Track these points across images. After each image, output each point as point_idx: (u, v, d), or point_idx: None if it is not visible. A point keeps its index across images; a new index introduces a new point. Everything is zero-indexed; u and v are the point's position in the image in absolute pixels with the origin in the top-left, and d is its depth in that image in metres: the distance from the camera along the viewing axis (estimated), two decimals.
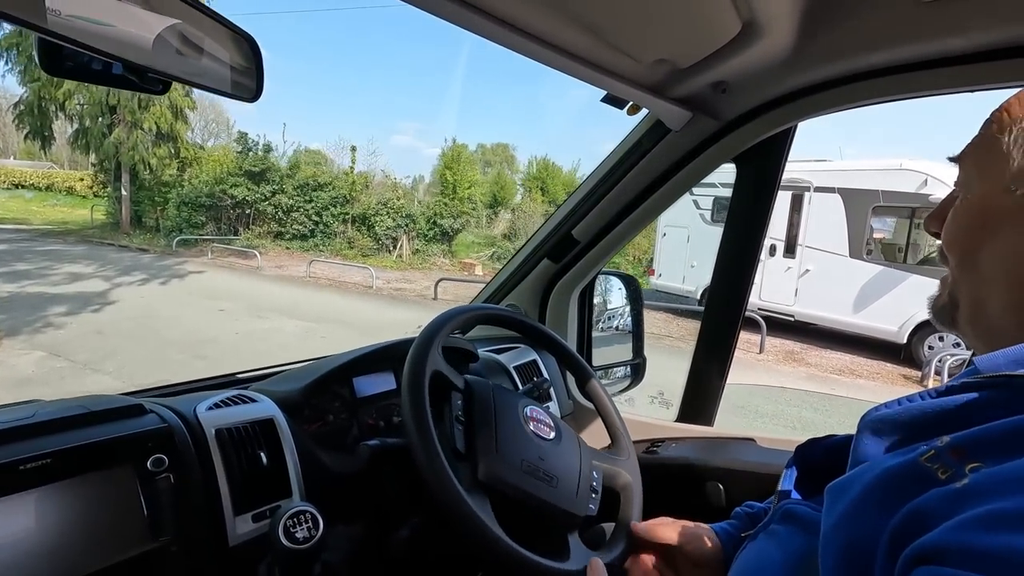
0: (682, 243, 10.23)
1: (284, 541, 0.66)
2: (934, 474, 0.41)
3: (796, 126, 1.12)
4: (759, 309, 8.96)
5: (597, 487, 0.84)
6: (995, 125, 0.51)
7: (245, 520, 0.76)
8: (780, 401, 6.01)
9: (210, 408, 0.79)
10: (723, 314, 1.30)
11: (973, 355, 0.55)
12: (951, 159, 0.57)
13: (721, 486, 1.16)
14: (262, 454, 0.78)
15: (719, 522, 0.81)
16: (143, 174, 17.33)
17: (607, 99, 1.12)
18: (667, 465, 1.24)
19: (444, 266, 16.92)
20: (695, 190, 9.15)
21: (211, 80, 0.58)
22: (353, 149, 18.60)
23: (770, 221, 1.21)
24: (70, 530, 0.62)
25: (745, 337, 8.70)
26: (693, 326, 9.07)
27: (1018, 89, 0.53)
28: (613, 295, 1.77)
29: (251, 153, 17.66)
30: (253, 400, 0.84)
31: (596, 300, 1.65)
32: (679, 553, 0.79)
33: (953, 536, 0.35)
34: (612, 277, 1.75)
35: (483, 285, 1.57)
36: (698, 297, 9.99)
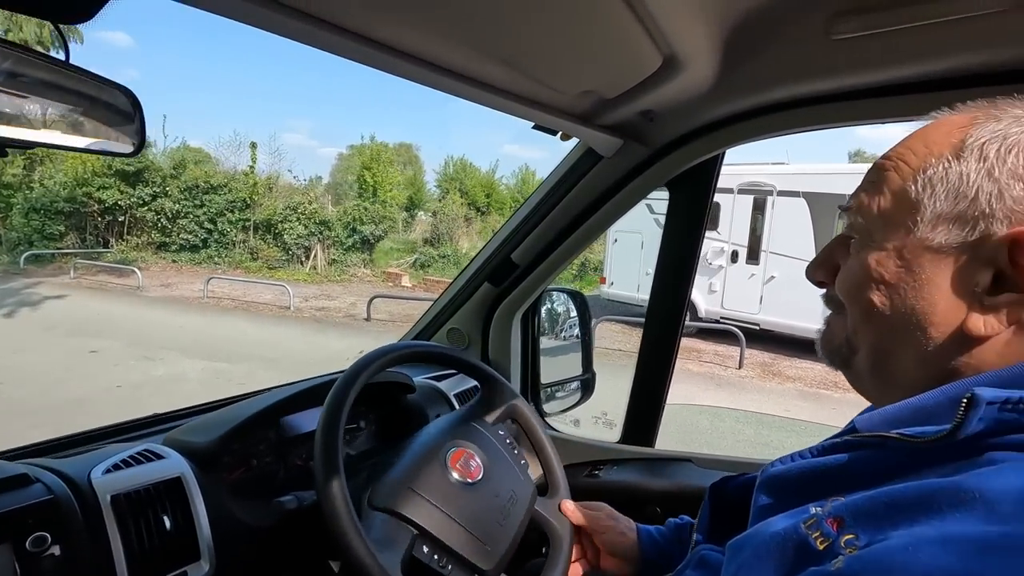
0: (635, 249, 9.75)
1: None
2: (813, 543, 0.42)
3: (724, 152, 1.14)
4: (721, 319, 8.81)
5: (517, 537, 0.83)
6: (893, 174, 0.49)
7: None
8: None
9: (107, 471, 0.73)
10: (661, 335, 1.31)
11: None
12: (842, 208, 0.56)
13: (659, 509, 1.17)
14: (166, 518, 0.73)
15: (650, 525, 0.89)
16: None
17: (538, 127, 1.11)
18: (609, 490, 1.25)
19: (366, 277, 15.37)
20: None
21: (85, 142, 0.54)
22: (253, 147, 16.14)
23: (702, 244, 1.23)
24: None
25: (722, 351, 8.27)
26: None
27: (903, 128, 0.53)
28: (560, 312, 1.77)
29: None
30: (160, 457, 0.79)
31: (543, 318, 1.64)
32: (596, 539, 0.88)
33: None
34: (558, 293, 1.75)
35: (417, 300, 1.54)
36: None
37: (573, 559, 0.89)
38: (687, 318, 1.33)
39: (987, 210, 0.44)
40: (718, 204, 8.44)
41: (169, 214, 14.92)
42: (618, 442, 1.38)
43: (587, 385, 1.78)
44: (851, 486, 0.44)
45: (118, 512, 0.70)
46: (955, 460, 0.41)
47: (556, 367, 1.71)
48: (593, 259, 17.22)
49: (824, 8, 0.78)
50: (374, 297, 10.66)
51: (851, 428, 0.56)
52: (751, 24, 0.83)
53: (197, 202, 15.15)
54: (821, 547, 0.41)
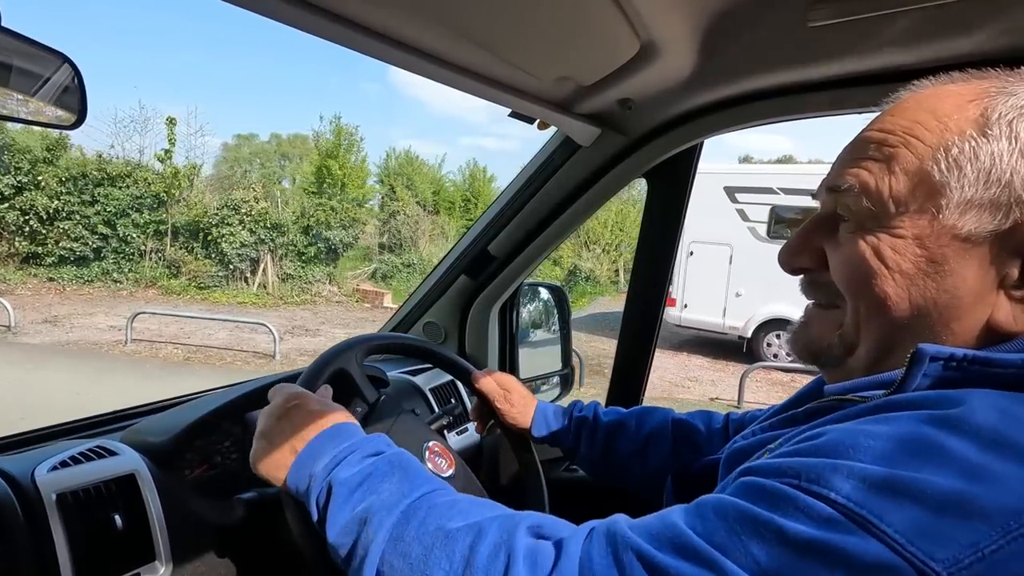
0: (720, 264, 8.03)
1: None
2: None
3: (702, 143, 1.13)
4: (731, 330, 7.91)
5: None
6: (905, 151, 0.44)
7: None
8: None
9: (53, 468, 0.69)
10: (639, 327, 1.30)
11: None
12: (830, 187, 0.49)
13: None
14: (117, 517, 0.69)
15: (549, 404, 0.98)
16: None
17: (514, 114, 1.08)
18: (588, 483, 1.23)
19: (333, 296, 12.38)
20: (741, 197, 7.68)
21: (28, 111, 0.50)
22: (171, 123, 12.21)
23: (682, 234, 1.22)
24: None
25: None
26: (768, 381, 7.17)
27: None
28: (539, 306, 1.76)
29: None
30: (112, 453, 0.75)
31: (522, 312, 1.62)
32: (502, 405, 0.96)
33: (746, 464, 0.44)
34: (537, 288, 1.73)
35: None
36: (748, 335, 7.89)
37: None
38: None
39: (1021, 195, 0.41)
40: None
41: (43, 214, 10.94)
42: None
43: (566, 380, 1.77)
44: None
45: (64, 511, 0.66)
46: None
47: (535, 362, 1.70)
48: (584, 266, 16.29)
49: None
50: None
51: (808, 393, 0.56)
52: (729, 10, 0.81)
53: (86, 197, 11.32)
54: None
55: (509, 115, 1.09)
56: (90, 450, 0.74)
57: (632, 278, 1.26)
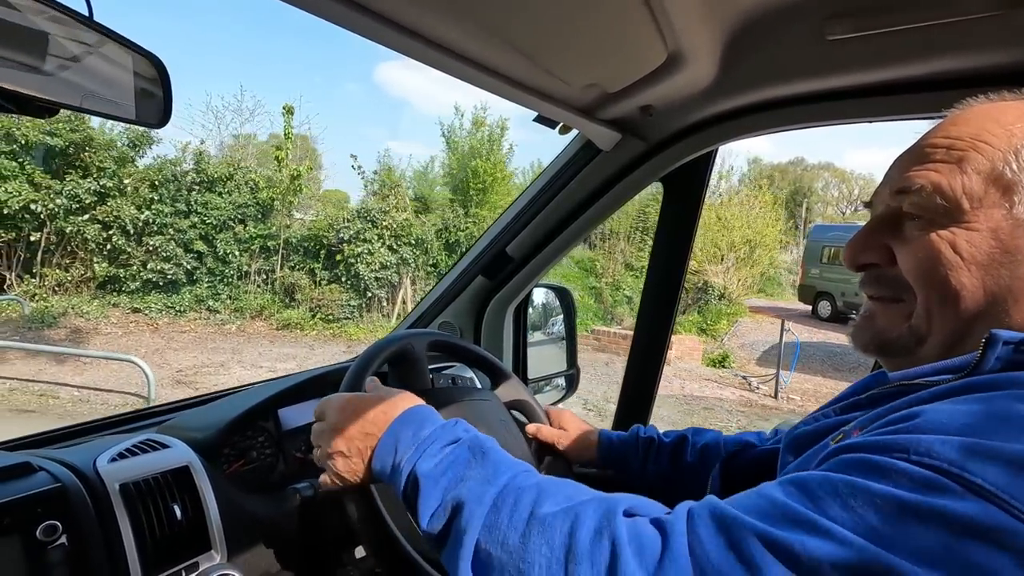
0: None
1: None
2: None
3: (717, 149, 1.18)
4: None
5: None
6: (975, 154, 0.49)
7: None
8: None
9: (112, 460, 0.70)
10: (654, 327, 1.34)
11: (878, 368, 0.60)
12: (898, 190, 0.53)
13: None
14: (176, 508, 0.71)
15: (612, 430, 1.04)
16: None
17: (539, 119, 1.12)
18: (600, 478, 1.26)
19: None
20: None
21: (110, 107, 0.52)
22: (288, 112, 9.71)
23: (695, 238, 1.27)
24: None
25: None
26: None
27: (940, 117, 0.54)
28: (547, 307, 1.79)
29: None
30: (164, 446, 0.77)
31: (531, 313, 1.66)
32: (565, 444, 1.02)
33: (840, 444, 0.45)
34: (546, 290, 1.76)
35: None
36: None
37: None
38: None
39: None
40: None
41: (129, 227, 8.49)
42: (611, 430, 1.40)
43: (571, 380, 1.81)
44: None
45: (128, 501, 0.67)
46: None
47: (543, 362, 1.73)
48: (716, 282, 12.84)
49: (820, 10, 0.82)
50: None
51: (867, 384, 0.58)
52: (751, 23, 0.86)
53: (180, 206, 8.90)
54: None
55: (534, 119, 1.13)
56: (143, 443, 0.75)
57: (647, 277, 1.30)
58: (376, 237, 9.43)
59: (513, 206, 1.33)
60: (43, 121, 7.41)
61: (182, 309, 8.84)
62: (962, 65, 0.82)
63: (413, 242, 9.69)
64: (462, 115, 13.38)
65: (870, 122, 0.97)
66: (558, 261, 1.42)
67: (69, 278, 8.38)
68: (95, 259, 8.50)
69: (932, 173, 0.51)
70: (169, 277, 8.76)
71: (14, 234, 7.98)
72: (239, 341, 8.39)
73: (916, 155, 0.53)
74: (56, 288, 8.30)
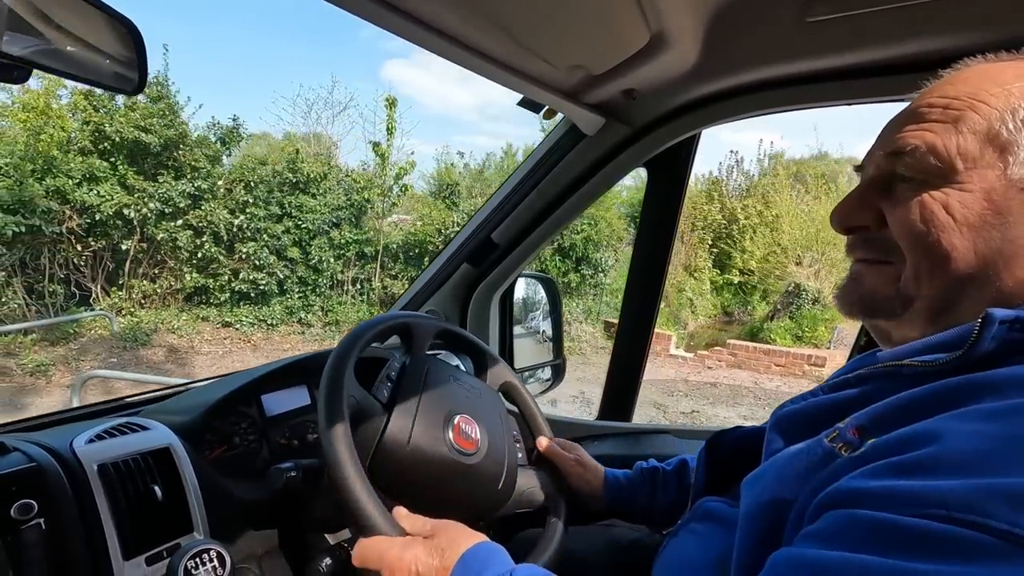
0: None
1: None
2: (837, 452, 0.45)
3: (700, 133, 1.18)
4: None
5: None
6: (972, 114, 0.48)
7: (137, 565, 0.67)
8: None
9: (90, 441, 0.69)
10: (638, 315, 1.34)
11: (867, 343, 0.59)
12: (891, 152, 0.52)
13: None
14: (156, 488, 0.69)
15: (618, 469, 0.97)
16: None
17: (524, 103, 1.12)
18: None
19: (595, 340, 8.69)
20: None
21: (84, 69, 0.51)
22: (391, 105, 8.65)
23: (679, 224, 1.27)
24: None
25: None
26: None
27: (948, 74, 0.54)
28: (532, 297, 1.79)
29: (136, 100, 7.05)
30: (144, 428, 0.75)
31: (516, 302, 1.65)
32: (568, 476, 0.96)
33: (853, 483, 0.40)
34: (531, 279, 1.76)
35: None
36: None
37: None
38: None
39: None
40: None
41: (221, 231, 7.52)
42: (596, 419, 1.41)
43: (558, 371, 1.81)
44: (867, 407, 0.47)
45: (106, 481, 0.66)
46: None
47: (529, 352, 1.73)
48: (809, 286, 10.92)
49: None
50: None
51: (856, 365, 0.57)
52: (733, 4, 0.87)
53: (273, 210, 7.89)
54: (844, 453, 0.44)
55: (519, 103, 1.13)
56: (122, 425, 0.74)
57: (632, 263, 1.31)
58: None
59: (498, 193, 1.33)
60: (136, 116, 6.94)
61: (273, 322, 7.98)
62: (942, 46, 0.83)
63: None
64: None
65: (850, 104, 0.99)
66: (544, 247, 1.42)
67: (156, 290, 7.56)
68: (185, 268, 7.64)
69: (927, 133, 0.50)
70: (261, 287, 7.86)
71: (104, 242, 7.10)
72: None
73: (911, 115, 0.52)
74: (142, 301, 7.54)
